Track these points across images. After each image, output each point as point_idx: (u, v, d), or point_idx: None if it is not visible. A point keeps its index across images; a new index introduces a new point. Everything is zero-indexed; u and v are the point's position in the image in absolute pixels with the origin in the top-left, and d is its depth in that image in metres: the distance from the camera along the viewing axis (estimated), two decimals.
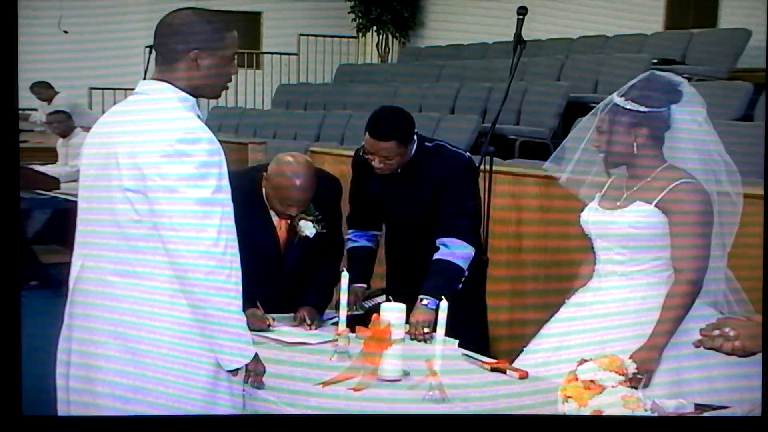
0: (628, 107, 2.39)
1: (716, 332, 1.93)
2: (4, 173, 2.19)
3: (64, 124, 6.28)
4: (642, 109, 2.38)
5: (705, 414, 2.08)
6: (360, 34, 10.81)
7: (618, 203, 2.44)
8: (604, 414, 1.96)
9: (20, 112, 2.20)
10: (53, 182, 5.54)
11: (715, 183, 2.37)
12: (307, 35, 10.64)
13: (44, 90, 7.59)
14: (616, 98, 2.41)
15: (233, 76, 2.12)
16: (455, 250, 2.87)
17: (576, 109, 5.69)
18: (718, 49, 6.33)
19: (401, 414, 2.17)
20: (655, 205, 2.36)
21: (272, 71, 10.48)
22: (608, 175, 2.50)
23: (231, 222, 2.02)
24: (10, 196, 2.19)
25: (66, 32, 8.48)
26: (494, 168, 3.63)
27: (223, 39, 2.07)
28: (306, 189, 2.77)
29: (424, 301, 2.79)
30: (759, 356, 1.99)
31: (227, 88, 2.14)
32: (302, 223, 2.86)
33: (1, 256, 2.20)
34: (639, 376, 2.15)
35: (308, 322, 2.82)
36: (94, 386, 2.04)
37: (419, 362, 2.33)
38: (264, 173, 2.83)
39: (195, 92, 2.07)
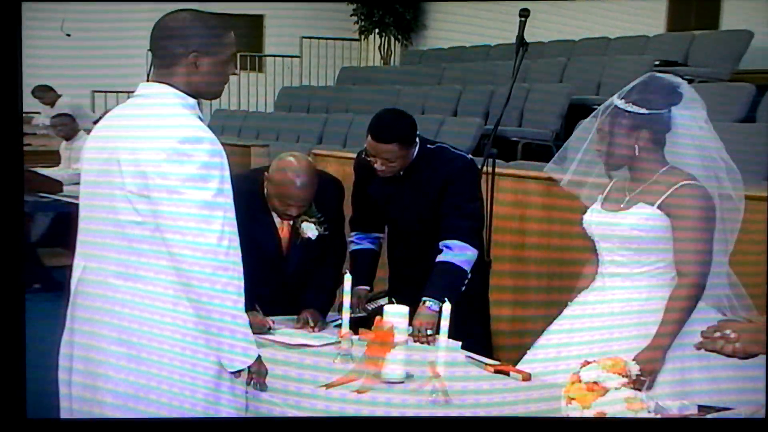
0: (628, 110, 2.38)
1: (717, 334, 1.93)
2: (8, 176, 2.20)
3: (69, 126, 6.29)
4: (642, 111, 2.38)
5: (708, 415, 2.07)
6: (362, 37, 10.83)
7: (620, 205, 2.43)
8: (607, 415, 1.96)
9: (23, 115, 2.20)
10: (56, 185, 5.55)
11: (716, 185, 2.36)
12: (310, 38, 10.66)
13: (46, 93, 7.60)
14: (617, 101, 2.41)
15: (235, 78, 2.12)
16: (458, 253, 2.87)
17: (578, 111, 5.69)
18: (720, 50, 6.33)
19: (404, 417, 2.17)
20: (658, 207, 2.36)
21: (275, 74, 10.50)
22: (609, 177, 2.50)
23: (233, 223, 2.03)
24: (15, 200, 2.19)
25: (69, 35, 8.49)
26: (497, 170, 3.63)
27: (221, 41, 2.07)
28: (306, 188, 2.77)
29: (427, 304, 2.78)
30: (762, 358, 1.99)
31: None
32: (304, 224, 2.86)
33: (5, 260, 2.20)
34: (642, 377, 2.15)
35: (311, 324, 2.82)
36: (97, 388, 2.04)
37: (422, 364, 2.33)
38: (265, 173, 2.83)
39: (195, 94, 2.07)
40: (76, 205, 2.13)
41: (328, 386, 2.30)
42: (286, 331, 2.79)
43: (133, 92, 2.10)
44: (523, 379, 2.39)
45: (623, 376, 2.02)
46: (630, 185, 2.44)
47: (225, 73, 2.10)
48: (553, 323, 2.58)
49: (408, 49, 10.64)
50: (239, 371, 2.08)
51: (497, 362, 2.56)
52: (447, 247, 2.87)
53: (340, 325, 2.59)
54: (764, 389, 2.11)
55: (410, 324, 2.56)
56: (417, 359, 2.39)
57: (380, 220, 3.14)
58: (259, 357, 2.11)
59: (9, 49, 2.16)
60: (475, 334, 2.87)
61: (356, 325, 2.58)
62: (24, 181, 2.22)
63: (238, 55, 9.91)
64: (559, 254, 3.57)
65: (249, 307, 2.10)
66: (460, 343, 2.61)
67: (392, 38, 10.67)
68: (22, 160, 2.21)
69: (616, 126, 2.39)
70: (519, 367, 2.50)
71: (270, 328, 2.77)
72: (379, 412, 2.19)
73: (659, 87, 2.41)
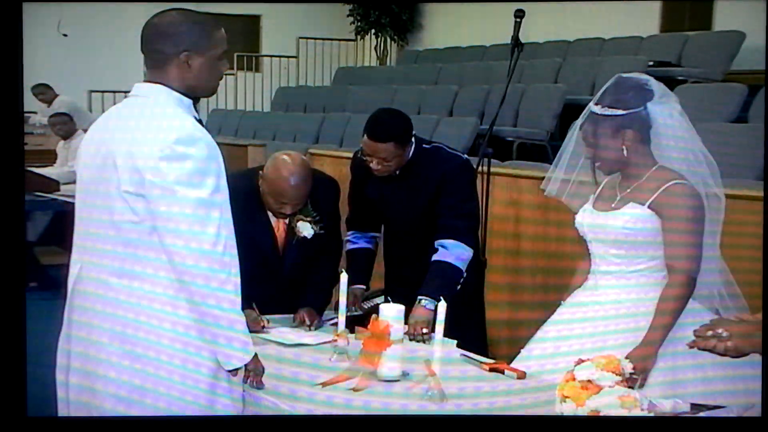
0: (606, 114, 2.40)
1: (709, 333, 1.95)
2: (9, 176, 2.20)
3: (68, 126, 6.30)
4: (620, 112, 2.39)
5: (700, 414, 2.09)
6: (359, 37, 10.84)
7: (612, 205, 2.45)
8: (601, 414, 1.98)
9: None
10: (53, 184, 5.55)
11: (702, 182, 2.39)
12: (306, 38, 10.68)
13: (46, 90, 7.60)
14: (593, 107, 2.43)
15: (233, 78, 2.13)
16: (454, 252, 2.88)
17: (573, 111, 5.69)
18: (713, 51, 6.36)
19: (400, 414, 2.19)
20: (648, 206, 2.38)
21: (272, 74, 10.50)
22: (596, 181, 2.52)
23: (229, 222, 2.03)
24: (15, 199, 2.20)
25: (65, 35, 8.49)
26: (492, 169, 3.65)
27: (211, 38, 2.07)
28: (300, 187, 2.77)
29: (423, 302, 2.79)
30: (755, 356, 2.01)
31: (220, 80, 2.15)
32: (300, 224, 2.87)
33: (6, 259, 2.21)
34: (635, 375, 2.17)
35: (308, 323, 2.83)
36: (95, 387, 2.05)
37: (418, 363, 2.35)
38: (260, 172, 2.84)
39: (190, 92, 2.07)
40: (73, 204, 2.13)
41: (324, 384, 2.32)
42: (282, 329, 2.80)
43: (128, 92, 2.11)
44: (518, 378, 2.41)
45: (617, 374, 2.03)
46: (621, 185, 2.46)
47: (218, 70, 2.10)
48: (548, 322, 2.59)
49: (404, 50, 10.65)
50: (236, 369, 2.09)
51: (492, 360, 2.58)
52: (443, 246, 2.88)
53: (336, 324, 2.61)
54: (758, 388, 2.13)
55: (406, 323, 2.57)
56: (413, 358, 2.41)
57: (376, 219, 3.15)
58: (255, 355, 2.11)
59: (10, 50, 2.17)
60: (471, 332, 2.88)
61: (352, 323, 2.60)
62: (24, 181, 2.23)
63: (235, 55, 9.97)
64: (554, 252, 3.58)
65: (245, 306, 2.11)
66: (455, 342, 2.63)
67: (388, 38, 10.67)
68: (23, 160, 2.22)
69: (600, 132, 2.41)
70: (514, 364, 2.51)
71: (264, 327, 2.78)
72: (375, 409, 2.20)
73: (630, 86, 2.42)
